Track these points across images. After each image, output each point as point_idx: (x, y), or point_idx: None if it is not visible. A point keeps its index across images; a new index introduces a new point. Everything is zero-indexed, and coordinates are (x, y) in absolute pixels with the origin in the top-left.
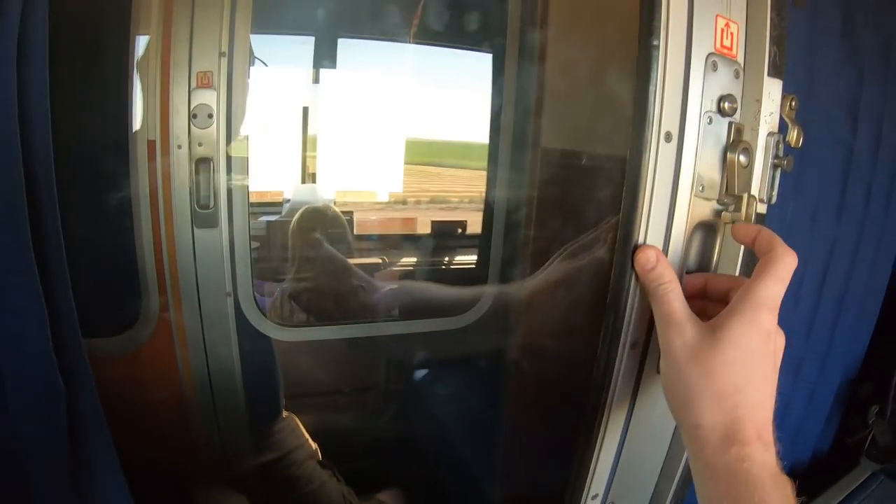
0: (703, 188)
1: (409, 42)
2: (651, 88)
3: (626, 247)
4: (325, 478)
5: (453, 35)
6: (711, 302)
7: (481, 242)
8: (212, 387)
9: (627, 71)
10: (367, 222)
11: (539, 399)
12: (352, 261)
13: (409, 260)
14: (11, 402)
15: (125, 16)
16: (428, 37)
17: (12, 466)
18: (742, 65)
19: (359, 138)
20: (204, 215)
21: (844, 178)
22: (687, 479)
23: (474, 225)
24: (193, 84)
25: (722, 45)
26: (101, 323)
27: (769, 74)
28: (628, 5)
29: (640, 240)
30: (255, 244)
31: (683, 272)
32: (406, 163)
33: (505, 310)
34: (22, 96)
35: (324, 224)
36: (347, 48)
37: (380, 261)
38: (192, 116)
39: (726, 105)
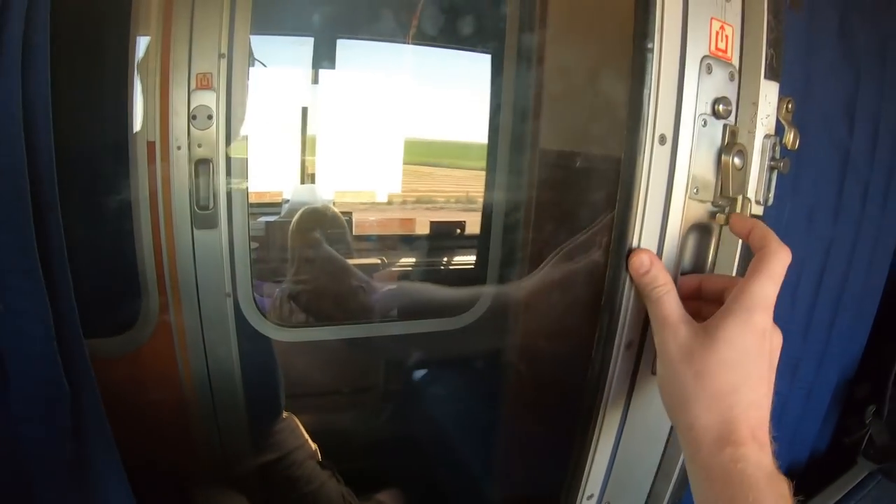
0: (697, 190)
1: (408, 43)
2: (645, 91)
3: (620, 249)
4: (325, 478)
5: (452, 36)
6: (707, 303)
7: (480, 243)
8: (211, 387)
9: (626, 73)
10: (365, 223)
11: (537, 399)
12: (351, 261)
13: (408, 260)
14: (15, 402)
15: (125, 17)
16: (427, 38)
17: (14, 466)
18: (737, 67)
19: (357, 139)
20: (203, 216)
21: (841, 178)
22: (684, 480)
23: (473, 225)
24: (193, 85)
25: (717, 48)
26: (101, 323)
27: (766, 77)
28: (626, 7)
29: (635, 241)
30: (254, 245)
31: (678, 274)
32: (405, 163)
33: (503, 310)
34: (24, 99)
35: (323, 224)
36: (346, 49)
37: (379, 261)
38: (192, 117)
39: (721, 107)
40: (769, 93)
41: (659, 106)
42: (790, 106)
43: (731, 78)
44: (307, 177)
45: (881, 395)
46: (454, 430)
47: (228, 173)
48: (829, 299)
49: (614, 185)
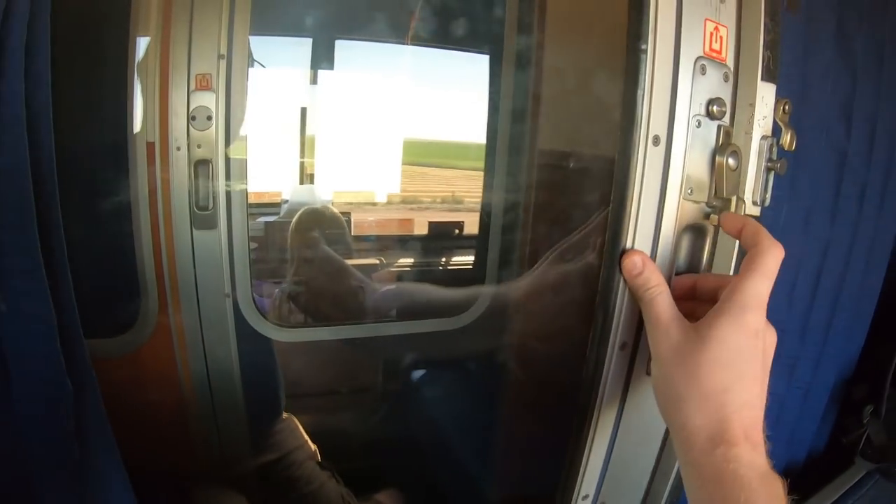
0: (691, 191)
1: (407, 44)
2: (639, 92)
3: (613, 250)
4: (325, 478)
5: (451, 37)
6: (701, 302)
7: (478, 243)
8: (211, 388)
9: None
10: (364, 223)
11: (534, 400)
12: (350, 261)
13: (407, 260)
14: (17, 402)
15: (124, 18)
16: (425, 39)
17: (16, 466)
18: (732, 68)
19: (356, 139)
20: (203, 217)
21: (838, 180)
22: (681, 480)
23: (472, 226)
24: (192, 86)
25: (711, 49)
26: (100, 324)
27: (763, 79)
28: (624, 9)
29: (629, 242)
30: (253, 245)
31: (672, 274)
32: (404, 163)
33: (502, 310)
34: (26, 100)
35: (323, 225)
36: (345, 50)
37: (377, 261)
38: (191, 118)
39: (715, 108)
40: (766, 94)
41: (653, 107)
42: (787, 107)
43: (726, 79)
44: (306, 177)
45: (879, 395)
46: (453, 430)
47: (228, 174)
48: (826, 300)
49: (612, 185)
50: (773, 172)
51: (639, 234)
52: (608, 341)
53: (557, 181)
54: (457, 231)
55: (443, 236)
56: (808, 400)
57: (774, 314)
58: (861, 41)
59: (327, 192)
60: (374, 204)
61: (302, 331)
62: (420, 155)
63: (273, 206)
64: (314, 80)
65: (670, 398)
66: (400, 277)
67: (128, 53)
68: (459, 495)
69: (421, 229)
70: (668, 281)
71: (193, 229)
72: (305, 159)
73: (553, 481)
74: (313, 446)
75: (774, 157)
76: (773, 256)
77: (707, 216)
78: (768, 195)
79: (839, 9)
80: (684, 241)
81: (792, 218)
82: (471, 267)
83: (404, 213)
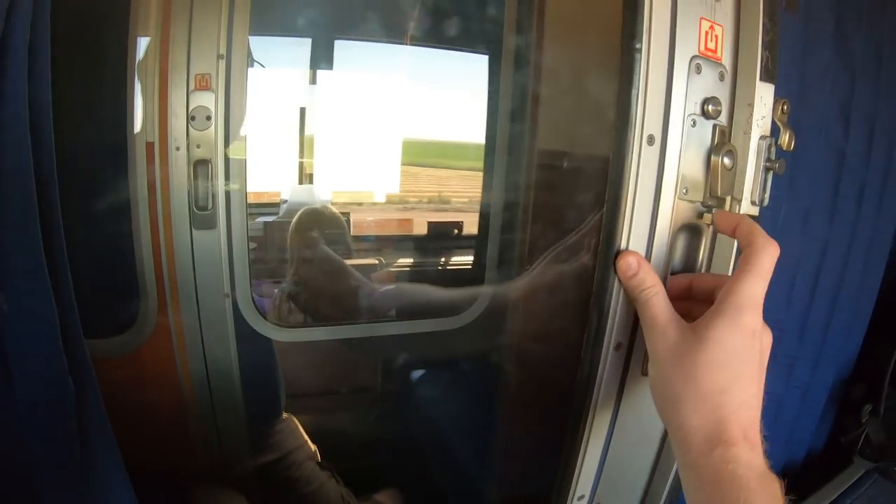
0: (686, 191)
1: (406, 44)
2: (633, 91)
3: (608, 250)
4: (324, 479)
5: (450, 37)
6: (697, 302)
7: (477, 243)
8: (210, 388)
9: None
10: (363, 223)
11: (533, 400)
12: (349, 261)
13: (406, 260)
14: (19, 402)
15: (124, 18)
16: (425, 39)
17: (18, 466)
18: (728, 67)
19: (355, 139)
20: (202, 217)
21: (837, 180)
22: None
23: (471, 225)
24: (192, 86)
25: (706, 48)
26: (99, 324)
27: (761, 79)
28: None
29: (623, 242)
30: (253, 245)
31: (668, 274)
32: (403, 164)
33: (501, 310)
34: (28, 101)
35: (324, 225)
36: (344, 50)
37: (376, 261)
38: (191, 118)
39: (710, 107)
40: (765, 94)
41: (647, 106)
42: (785, 107)
43: (721, 78)
44: (305, 177)
45: (877, 395)
46: (453, 430)
47: (227, 174)
48: (824, 300)
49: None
50: (771, 172)
51: (634, 234)
52: (603, 342)
53: (555, 181)
54: (456, 231)
55: (441, 236)
56: (807, 399)
57: (773, 314)
58: (859, 41)
59: (326, 191)
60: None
61: (301, 331)
62: (416, 155)
63: (272, 206)
64: (313, 80)
65: (668, 399)
66: (399, 277)
67: (127, 53)
68: (458, 495)
69: (420, 229)
70: (664, 281)
71: (193, 229)
72: (304, 159)
73: (551, 481)
74: (313, 446)
75: (773, 156)
76: (767, 255)
77: (702, 216)
78: (767, 195)
79: (838, 9)
80: (680, 241)
81: (790, 218)
82: (469, 267)
83: (401, 213)
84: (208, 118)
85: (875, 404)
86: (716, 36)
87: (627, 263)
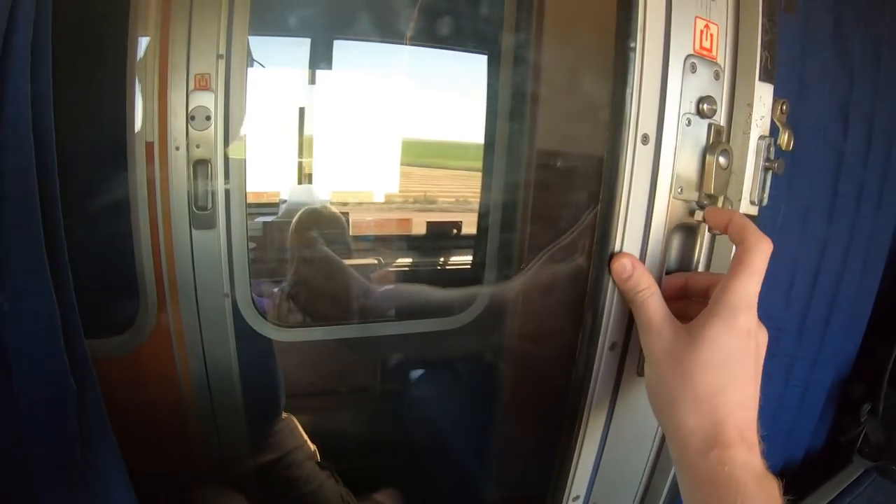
0: (681, 190)
1: (406, 44)
2: (627, 90)
3: (602, 251)
4: (324, 478)
5: (449, 37)
6: (692, 301)
7: (476, 243)
8: (210, 388)
9: None
10: (362, 223)
11: (531, 400)
12: (349, 261)
13: (405, 260)
14: (20, 402)
15: (124, 18)
16: (424, 39)
17: (18, 466)
18: (723, 66)
19: (355, 139)
20: (202, 216)
21: (836, 179)
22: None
23: (469, 225)
24: (191, 86)
25: (701, 47)
26: (99, 324)
27: (760, 79)
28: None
29: (618, 242)
30: (252, 245)
31: (662, 274)
32: (402, 164)
33: (499, 310)
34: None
35: (324, 225)
36: (343, 50)
37: (375, 261)
38: (190, 118)
39: (705, 107)
40: (764, 94)
41: (642, 105)
42: (785, 107)
43: (717, 77)
44: (304, 177)
45: (876, 394)
46: (452, 430)
47: (226, 174)
48: (823, 299)
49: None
50: (770, 172)
51: (628, 234)
52: (597, 342)
53: (553, 181)
54: (455, 231)
55: (440, 236)
56: (806, 399)
57: (772, 313)
58: (858, 41)
59: (325, 192)
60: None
61: (301, 330)
62: (416, 155)
63: (271, 206)
64: (312, 80)
65: (664, 401)
66: (398, 277)
67: (127, 53)
68: (457, 495)
69: (419, 229)
70: (659, 281)
71: (192, 229)
72: (304, 159)
73: (548, 481)
74: (312, 446)
75: (772, 156)
76: (760, 252)
77: (693, 213)
78: (766, 195)
79: (836, 9)
80: (674, 241)
81: (789, 218)
82: (469, 266)
83: (396, 213)
84: (208, 118)
85: (874, 403)
86: (711, 35)
87: (622, 266)
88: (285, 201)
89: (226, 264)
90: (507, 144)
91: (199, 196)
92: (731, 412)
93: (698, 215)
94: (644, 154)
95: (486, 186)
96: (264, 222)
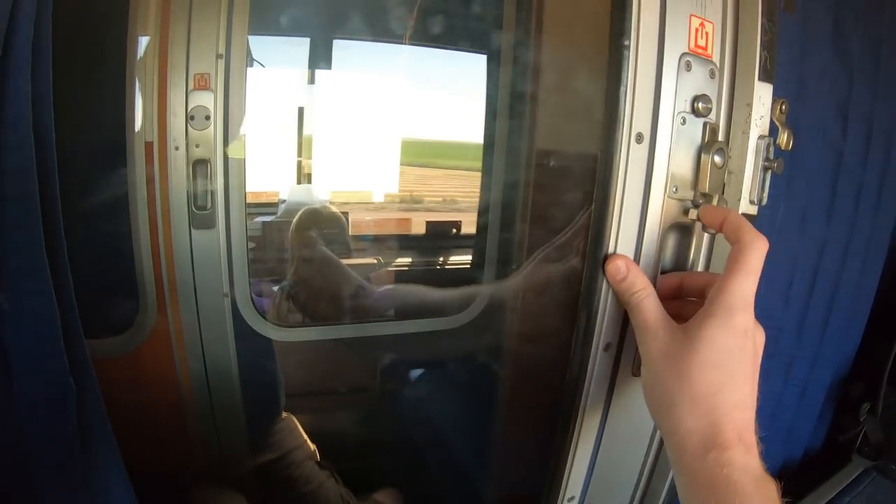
0: (676, 189)
1: (405, 43)
2: (622, 89)
3: (596, 251)
4: (324, 478)
5: (449, 37)
6: (688, 301)
7: (475, 242)
8: (209, 388)
9: None
10: (361, 223)
11: (529, 401)
12: (348, 261)
13: (404, 260)
14: (20, 402)
15: (123, 18)
16: (424, 38)
17: (18, 466)
18: (718, 65)
19: (354, 139)
20: (201, 216)
21: (835, 179)
22: None
23: (469, 225)
24: (191, 86)
25: (696, 45)
26: (98, 324)
27: (759, 79)
28: None
29: (612, 242)
30: (251, 245)
31: (657, 274)
32: (402, 164)
33: (498, 310)
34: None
35: (324, 225)
36: (343, 50)
37: (375, 261)
38: (190, 118)
39: (700, 105)
40: (763, 94)
41: (636, 104)
42: (784, 107)
43: (712, 75)
44: (304, 177)
45: (875, 394)
46: (451, 430)
47: (226, 174)
48: (822, 299)
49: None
50: (769, 172)
51: (623, 233)
52: (592, 342)
53: (553, 180)
54: (454, 230)
55: (440, 236)
56: (805, 398)
57: (771, 313)
58: (857, 41)
59: (325, 192)
60: (373, 203)
61: (300, 330)
62: (416, 155)
63: (271, 206)
64: (312, 80)
65: (662, 402)
66: (397, 277)
67: (126, 53)
68: (456, 495)
69: (418, 229)
70: (654, 281)
71: (192, 229)
72: (303, 159)
73: (544, 482)
74: (312, 446)
75: (771, 156)
76: (756, 250)
77: (687, 212)
78: (765, 195)
79: (836, 9)
80: (669, 240)
81: (788, 217)
82: (468, 266)
83: (401, 213)
84: (207, 118)
85: (873, 403)
86: (706, 33)
87: (616, 267)
88: (284, 201)
89: (225, 264)
90: (507, 144)
91: (198, 196)
92: (730, 412)
93: (692, 214)
94: (638, 153)
95: (485, 186)
96: (264, 222)
